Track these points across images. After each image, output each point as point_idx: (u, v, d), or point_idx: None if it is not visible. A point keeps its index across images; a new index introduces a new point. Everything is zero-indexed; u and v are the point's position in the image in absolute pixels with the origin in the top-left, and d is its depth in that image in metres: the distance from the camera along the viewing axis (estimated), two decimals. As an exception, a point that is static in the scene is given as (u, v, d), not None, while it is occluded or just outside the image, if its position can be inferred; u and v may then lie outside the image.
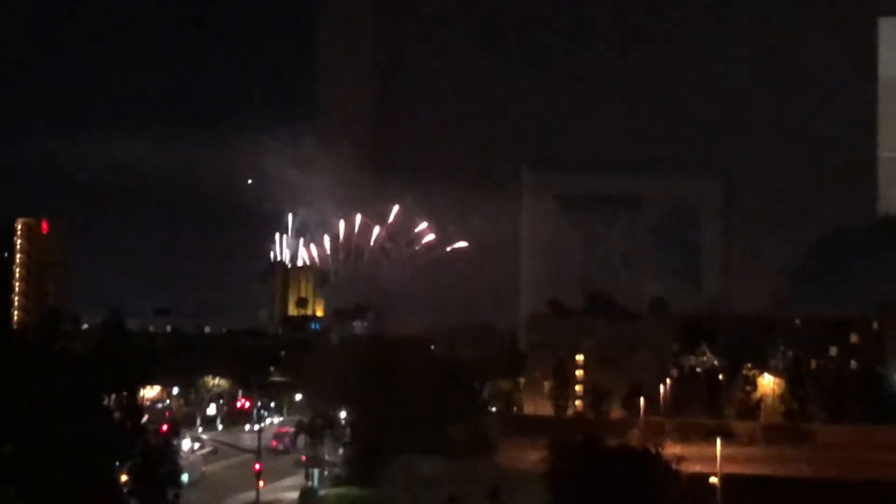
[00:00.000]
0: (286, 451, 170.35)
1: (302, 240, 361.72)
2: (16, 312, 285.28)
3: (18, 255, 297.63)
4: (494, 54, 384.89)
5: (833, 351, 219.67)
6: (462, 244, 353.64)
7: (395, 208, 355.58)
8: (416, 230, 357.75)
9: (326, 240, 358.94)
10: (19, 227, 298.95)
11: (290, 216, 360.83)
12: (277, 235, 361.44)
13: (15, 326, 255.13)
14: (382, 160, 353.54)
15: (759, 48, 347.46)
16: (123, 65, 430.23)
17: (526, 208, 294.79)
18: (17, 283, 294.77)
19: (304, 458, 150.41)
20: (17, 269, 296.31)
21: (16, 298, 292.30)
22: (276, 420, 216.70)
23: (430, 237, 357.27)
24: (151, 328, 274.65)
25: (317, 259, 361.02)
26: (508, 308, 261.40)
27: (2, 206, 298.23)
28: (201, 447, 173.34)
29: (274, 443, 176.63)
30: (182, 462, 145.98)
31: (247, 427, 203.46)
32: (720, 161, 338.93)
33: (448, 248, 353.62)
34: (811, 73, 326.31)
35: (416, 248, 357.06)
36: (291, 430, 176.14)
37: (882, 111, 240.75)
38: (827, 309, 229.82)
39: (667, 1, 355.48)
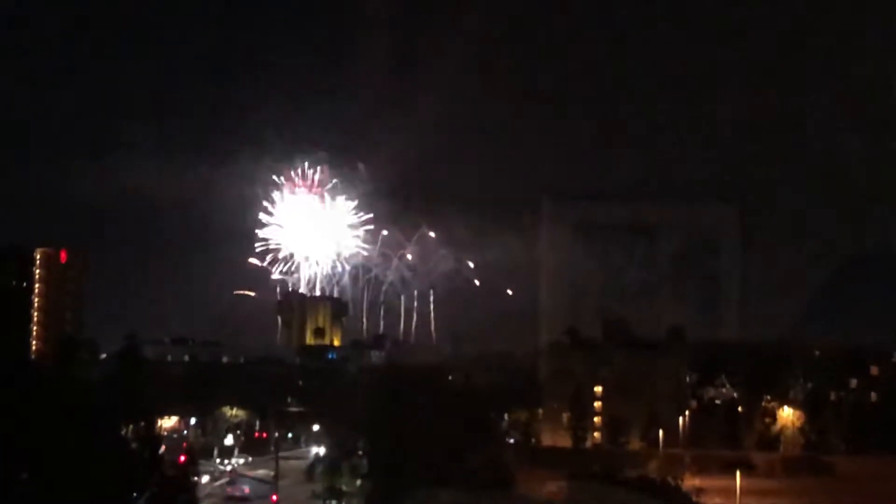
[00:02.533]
0: None
1: (320, 269, 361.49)
2: (33, 342, 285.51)
3: (37, 285, 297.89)
4: (517, 86, 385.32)
5: (853, 382, 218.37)
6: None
7: (415, 238, 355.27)
8: (436, 260, 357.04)
9: (345, 269, 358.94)
10: (38, 256, 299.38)
11: (308, 245, 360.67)
12: (296, 265, 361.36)
13: (32, 356, 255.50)
14: (402, 190, 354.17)
15: (776, 79, 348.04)
16: (141, 92, 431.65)
17: (545, 238, 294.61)
18: (35, 313, 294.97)
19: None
20: (35, 299, 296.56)
21: (34, 328, 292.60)
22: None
23: (450, 267, 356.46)
24: (169, 357, 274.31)
25: (335, 288, 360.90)
26: (527, 338, 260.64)
27: (20, 235, 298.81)
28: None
29: None
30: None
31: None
32: (738, 190, 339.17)
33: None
34: (831, 102, 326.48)
35: (435, 277, 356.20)
36: None
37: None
38: (846, 340, 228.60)
39: (684, 33, 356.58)
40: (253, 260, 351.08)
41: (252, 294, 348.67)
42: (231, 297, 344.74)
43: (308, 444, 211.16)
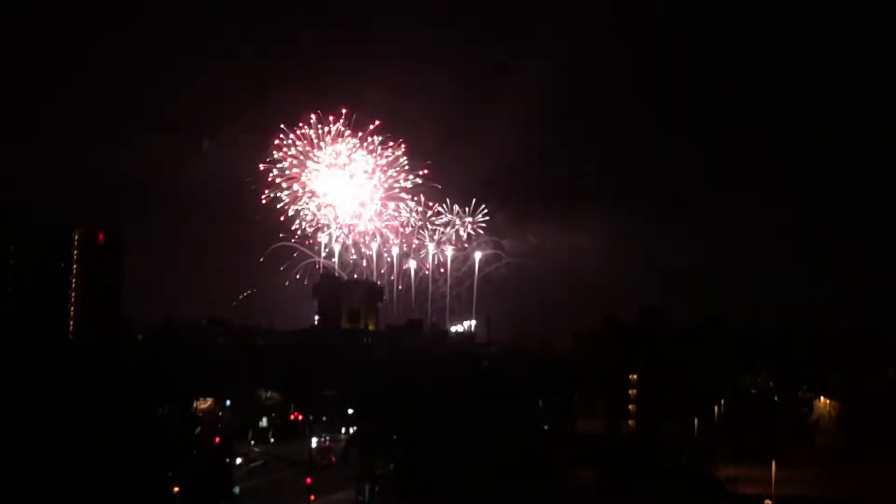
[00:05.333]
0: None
1: (356, 253, 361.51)
2: (72, 323, 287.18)
3: (75, 266, 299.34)
4: (554, 71, 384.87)
5: (890, 372, 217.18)
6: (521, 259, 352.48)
7: (452, 223, 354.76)
8: (473, 245, 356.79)
9: (381, 253, 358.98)
10: (76, 237, 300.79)
11: (346, 229, 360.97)
12: (332, 249, 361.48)
13: (71, 336, 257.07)
14: (439, 175, 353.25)
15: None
16: (173, 72, 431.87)
17: (582, 223, 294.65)
18: (74, 294, 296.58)
19: None
20: (74, 280, 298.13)
21: (72, 309, 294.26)
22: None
23: (487, 252, 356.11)
24: (205, 340, 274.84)
25: (372, 273, 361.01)
26: (562, 324, 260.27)
27: (59, 216, 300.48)
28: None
29: None
30: None
31: None
32: (774, 177, 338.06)
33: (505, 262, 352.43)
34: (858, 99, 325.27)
35: (472, 263, 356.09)
36: None
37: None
38: (883, 329, 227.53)
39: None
40: (265, 254, 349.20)
41: (253, 291, 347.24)
42: (267, 280, 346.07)
43: (342, 428, 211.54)
